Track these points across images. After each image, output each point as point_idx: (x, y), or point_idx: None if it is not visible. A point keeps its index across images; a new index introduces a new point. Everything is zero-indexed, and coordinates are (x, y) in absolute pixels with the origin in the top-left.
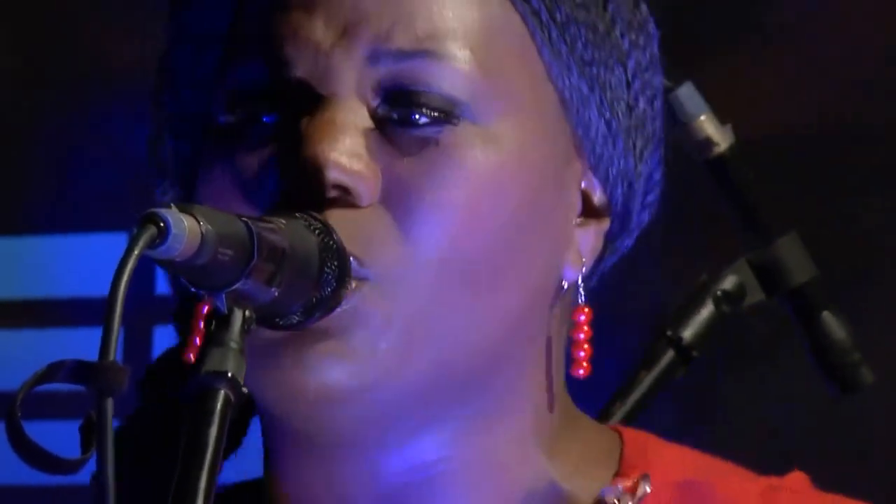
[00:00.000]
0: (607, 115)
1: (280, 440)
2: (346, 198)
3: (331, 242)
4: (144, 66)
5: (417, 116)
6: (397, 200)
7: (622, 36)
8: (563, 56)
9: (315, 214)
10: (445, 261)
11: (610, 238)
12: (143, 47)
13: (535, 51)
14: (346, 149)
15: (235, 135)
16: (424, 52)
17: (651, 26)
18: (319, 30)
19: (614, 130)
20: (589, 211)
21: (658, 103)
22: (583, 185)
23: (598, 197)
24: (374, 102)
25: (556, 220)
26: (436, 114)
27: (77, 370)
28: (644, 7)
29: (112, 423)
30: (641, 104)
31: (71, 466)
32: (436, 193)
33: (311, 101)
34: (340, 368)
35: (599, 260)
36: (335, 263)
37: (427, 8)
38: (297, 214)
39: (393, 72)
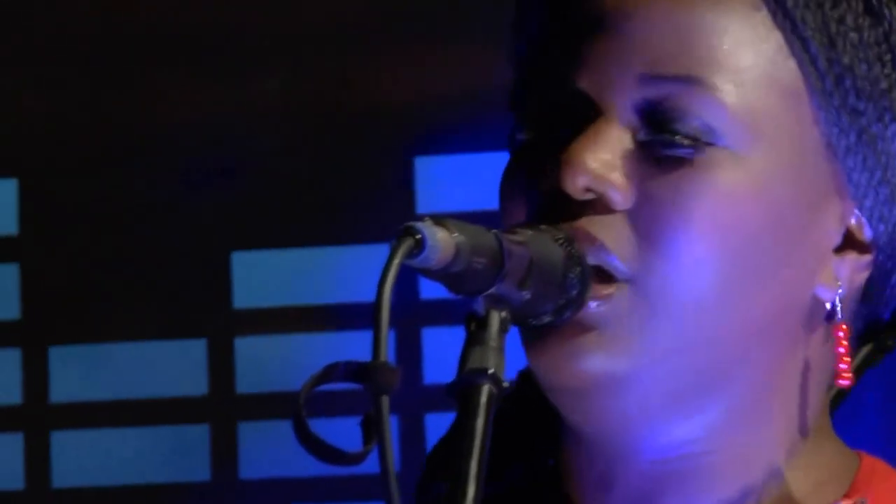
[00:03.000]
0: (872, 164)
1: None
2: (600, 203)
3: (572, 251)
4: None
5: (675, 137)
6: (648, 211)
7: None
8: (834, 106)
9: (560, 226)
10: (693, 269)
11: (884, 272)
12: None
13: (806, 95)
14: (603, 159)
15: (525, 148)
16: (692, 80)
17: None
18: (603, 49)
19: (878, 179)
20: (852, 244)
21: None
22: (849, 220)
23: (861, 233)
24: (638, 121)
25: (804, 246)
26: (691, 140)
27: (352, 370)
28: None
29: (389, 419)
30: None
31: (353, 459)
32: (685, 208)
33: (585, 116)
34: (599, 358)
35: (876, 290)
36: (578, 269)
37: (702, 40)
38: (542, 227)
39: (660, 94)
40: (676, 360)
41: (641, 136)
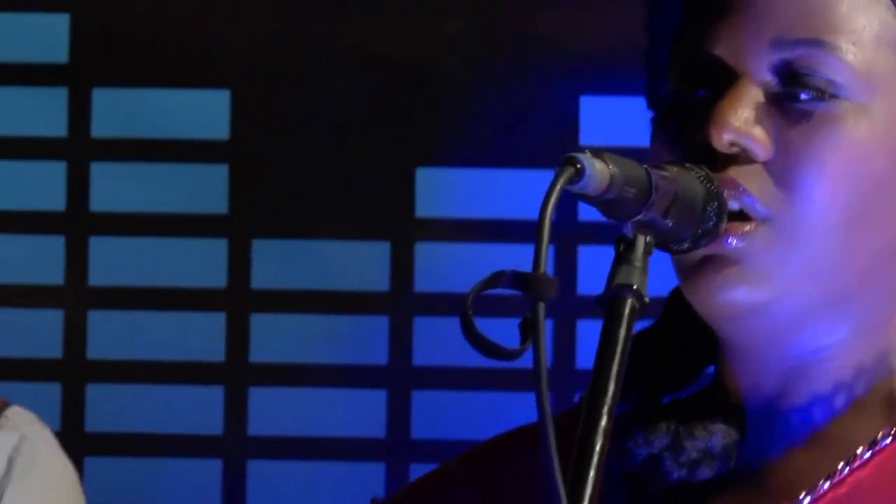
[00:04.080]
0: None
1: None
2: (742, 156)
3: (711, 187)
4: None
5: (803, 94)
6: (784, 160)
7: None
8: None
9: (702, 167)
10: (824, 208)
11: None
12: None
13: None
14: (744, 117)
15: (674, 105)
16: (817, 42)
17: None
18: (737, 19)
19: None
20: None
21: None
22: None
23: None
24: (771, 81)
25: None
26: (818, 93)
27: (515, 279)
28: None
29: (544, 323)
30: None
31: (511, 355)
32: (816, 155)
33: (723, 78)
34: (743, 290)
35: None
36: (716, 203)
37: (823, 7)
38: (686, 165)
39: (789, 57)
40: (810, 287)
41: (775, 93)
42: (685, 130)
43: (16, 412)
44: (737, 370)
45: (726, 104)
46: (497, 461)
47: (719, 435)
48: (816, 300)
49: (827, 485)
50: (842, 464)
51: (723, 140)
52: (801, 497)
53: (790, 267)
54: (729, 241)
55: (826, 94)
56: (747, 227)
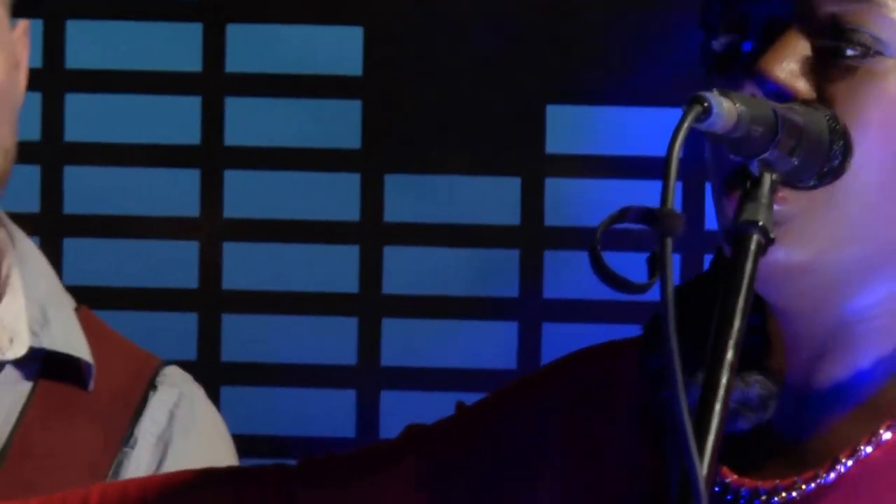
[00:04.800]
0: None
1: None
2: None
3: (837, 126)
4: None
5: (849, 50)
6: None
7: None
8: None
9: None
10: (866, 166)
11: None
12: None
13: None
14: (789, 69)
15: (723, 57)
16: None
17: None
18: None
19: None
20: None
21: None
22: None
23: None
24: (818, 35)
25: None
26: (864, 49)
27: (643, 214)
28: None
29: (671, 258)
30: None
31: (639, 288)
32: (859, 109)
33: (771, 30)
34: (783, 252)
35: None
36: (841, 142)
37: None
38: (814, 105)
39: (837, 11)
40: (850, 248)
41: (820, 47)
42: (732, 81)
43: (173, 371)
44: (780, 330)
45: (772, 55)
46: (576, 375)
47: (757, 386)
48: (857, 261)
49: (869, 448)
50: (884, 428)
51: (768, 89)
52: (843, 460)
53: (830, 227)
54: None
55: (871, 50)
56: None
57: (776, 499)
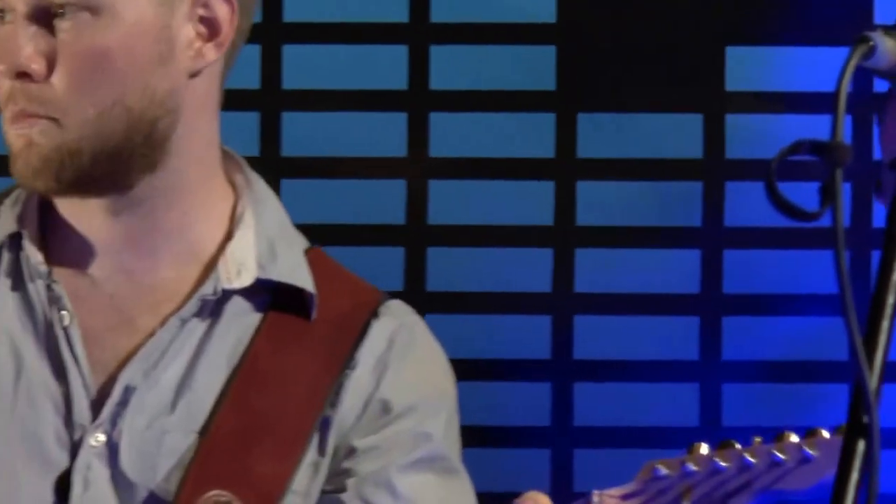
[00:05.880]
0: None
1: None
2: None
3: None
4: None
5: None
6: None
7: None
8: None
9: None
10: None
11: None
12: None
13: None
14: None
15: None
16: None
17: None
18: None
19: None
20: None
21: None
22: None
23: None
24: None
25: None
26: None
27: (815, 146)
28: None
29: (842, 187)
30: None
31: (811, 216)
32: None
33: None
34: None
35: None
36: None
37: None
38: None
39: None
40: None
41: None
42: None
43: (396, 303)
44: None
45: None
46: None
47: None
48: None
49: None
50: None
51: None
52: None
53: None
54: None
55: None
56: None
57: None
